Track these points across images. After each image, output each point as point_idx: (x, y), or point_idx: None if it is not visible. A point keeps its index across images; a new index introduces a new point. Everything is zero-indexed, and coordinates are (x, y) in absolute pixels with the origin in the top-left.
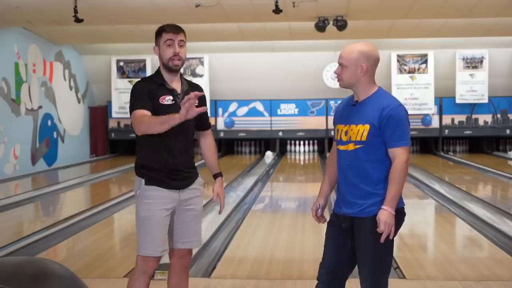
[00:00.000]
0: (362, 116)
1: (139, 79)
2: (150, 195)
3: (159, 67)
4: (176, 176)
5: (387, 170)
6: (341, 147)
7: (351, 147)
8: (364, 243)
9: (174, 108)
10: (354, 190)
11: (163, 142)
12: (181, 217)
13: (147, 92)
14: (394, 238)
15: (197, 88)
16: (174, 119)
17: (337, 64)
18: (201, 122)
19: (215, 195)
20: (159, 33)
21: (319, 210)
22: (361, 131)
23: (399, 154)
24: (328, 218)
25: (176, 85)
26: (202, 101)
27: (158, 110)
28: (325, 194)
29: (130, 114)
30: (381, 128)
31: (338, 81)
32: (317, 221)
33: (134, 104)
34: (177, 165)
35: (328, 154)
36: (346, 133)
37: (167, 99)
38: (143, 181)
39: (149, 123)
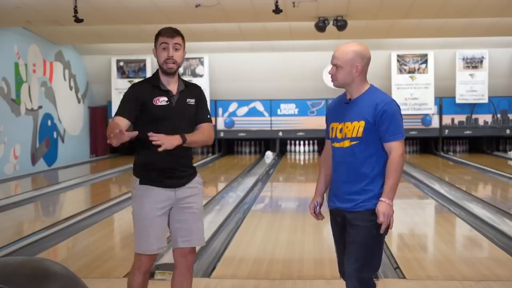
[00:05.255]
0: (357, 113)
1: (139, 80)
2: (144, 194)
3: (157, 69)
4: (171, 175)
5: (381, 167)
6: (336, 145)
7: (346, 143)
8: (355, 236)
9: (168, 109)
10: (348, 187)
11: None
12: (179, 215)
13: (135, 98)
14: (394, 238)
15: (194, 87)
16: (111, 138)
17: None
18: (196, 118)
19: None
20: (157, 35)
21: (317, 207)
22: (356, 127)
23: (395, 148)
24: (324, 216)
25: (173, 86)
26: (200, 100)
27: (152, 111)
28: (322, 191)
29: None
30: (376, 123)
31: (332, 81)
32: (316, 218)
33: (117, 110)
34: (171, 164)
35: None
36: (341, 130)
37: (161, 100)
38: (138, 180)
39: (108, 132)
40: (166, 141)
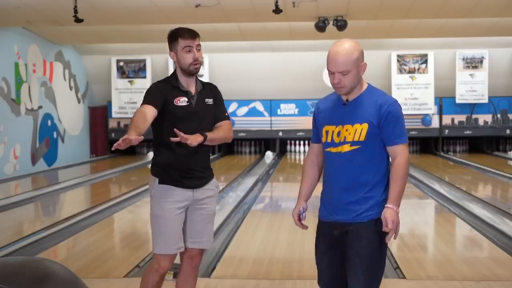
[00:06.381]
0: (358, 115)
1: (139, 80)
2: (163, 193)
3: (175, 69)
4: (191, 175)
5: (382, 173)
6: (333, 150)
7: (346, 148)
8: (360, 249)
9: (188, 109)
10: (347, 196)
11: (178, 141)
12: (193, 216)
13: (160, 93)
14: (395, 238)
15: (211, 87)
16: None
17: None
18: (215, 116)
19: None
20: (174, 38)
21: (303, 214)
22: (358, 130)
23: (401, 151)
24: (308, 225)
25: (192, 87)
26: (218, 99)
27: (173, 111)
28: (306, 197)
29: None
30: (380, 125)
31: (339, 88)
32: (300, 227)
33: (143, 100)
34: (191, 164)
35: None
36: (338, 134)
37: (182, 101)
38: (157, 180)
39: (131, 122)
40: (191, 138)
